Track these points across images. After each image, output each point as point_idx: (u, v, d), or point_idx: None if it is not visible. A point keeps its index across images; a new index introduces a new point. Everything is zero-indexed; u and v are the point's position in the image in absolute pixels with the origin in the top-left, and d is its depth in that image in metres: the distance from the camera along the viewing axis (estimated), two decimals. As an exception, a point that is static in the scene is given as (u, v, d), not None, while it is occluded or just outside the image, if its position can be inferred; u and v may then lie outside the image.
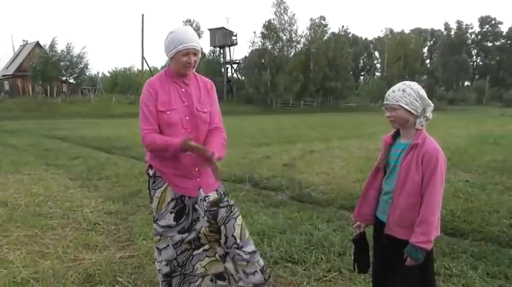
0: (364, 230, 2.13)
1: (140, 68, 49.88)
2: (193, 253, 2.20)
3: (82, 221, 4.05)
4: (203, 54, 46.67)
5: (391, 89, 1.90)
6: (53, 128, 18.34)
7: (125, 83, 57.59)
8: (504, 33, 72.49)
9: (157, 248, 2.23)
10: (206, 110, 2.19)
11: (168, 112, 2.08)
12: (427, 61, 73.79)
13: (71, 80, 47.02)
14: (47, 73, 41.10)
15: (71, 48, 43.78)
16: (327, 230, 3.78)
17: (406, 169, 1.86)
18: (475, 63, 76.94)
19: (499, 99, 59.76)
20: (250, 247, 2.26)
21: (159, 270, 2.24)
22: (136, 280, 2.78)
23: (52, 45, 43.73)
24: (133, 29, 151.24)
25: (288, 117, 30.27)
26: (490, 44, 73.80)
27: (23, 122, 23.67)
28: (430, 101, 1.89)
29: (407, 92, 1.85)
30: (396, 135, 2.01)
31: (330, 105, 53.02)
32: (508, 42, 71.26)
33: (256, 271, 2.25)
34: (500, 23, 72.83)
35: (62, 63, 43.38)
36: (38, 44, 48.11)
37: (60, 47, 43.95)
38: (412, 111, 1.85)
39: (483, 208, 4.30)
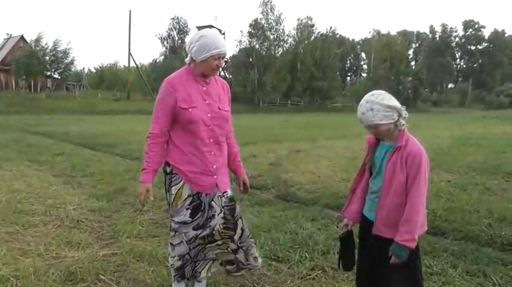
0: (351, 229, 2.14)
1: (127, 65, 49.26)
2: (206, 247, 2.26)
3: (65, 219, 3.99)
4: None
5: (359, 111, 1.90)
6: (37, 123, 17.97)
7: (111, 80, 56.77)
8: (486, 38, 74.05)
9: (171, 243, 2.28)
10: (227, 109, 2.29)
11: (190, 109, 2.13)
12: (413, 63, 74.84)
13: (56, 76, 46.07)
14: (31, 67, 40.18)
15: (58, 43, 42.87)
16: (311, 229, 3.81)
17: (391, 170, 1.89)
18: (458, 66, 78.40)
19: (481, 102, 61.00)
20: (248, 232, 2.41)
21: (172, 265, 2.30)
22: (120, 278, 2.75)
23: (38, 40, 42.74)
24: (120, 25, 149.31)
25: (275, 117, 30.34)
26: (473, 48, 75.27)
27: (5, 117, 23.09)
28: (399, 105, 1.89)
29: (375, 110, 1.85)
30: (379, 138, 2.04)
31: (316, 105, 53.31)
32: (490, 46, 72.79)
33: (257, 257, 2.41)
34: (483, 27, 74.39)
35: (46, 58, 42.41)
36: (22, 38, 47.02)
37: (45, 42, 42.96)
38: (390, 121, 1.87)
39: (464, 208, 4.39)
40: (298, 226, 3.91)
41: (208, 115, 2.19)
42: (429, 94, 68.99)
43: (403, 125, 1.91)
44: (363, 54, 75.23)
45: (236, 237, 2.27)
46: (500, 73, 70.10)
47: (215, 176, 2.23)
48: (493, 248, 3.46)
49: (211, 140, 2.21)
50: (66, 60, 44.00)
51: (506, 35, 73.65)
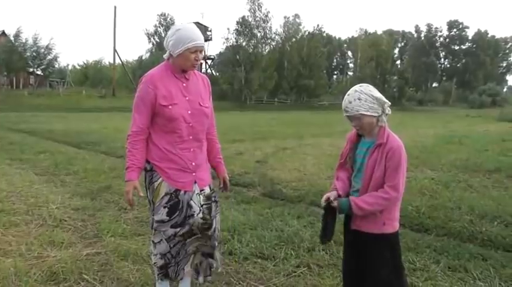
0: (333, 200, 2.04)
1: (112, 61, 48.62)
2: (186, 242, 2.24)
3: (47, 218, 3.91)
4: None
5: (347, 99, 1.92)
6: (19, 121, 17.56)
7: (96, 77, 55.92)
8: (470, 38, 75.37)
9: (152, 241, 2.27)
10: (208, 105, 2.26)
11: (170, 106, 2.10)
12: (398, 62, 75.70)
13: (39, 72, 45.14)
14: (11, 64, 39.23)
15: (37, 39, 41.95)
16: (297, 226, 3.83)
17: (371, 167, 1.92)
18: (442, 66, 79.61)
19: (465, 101, 62.14)
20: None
21: (155, 263, 2.28)
22: (103, 278, 2.72)
23: (17, 35, 41.76)
24: (105, 21, 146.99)
25: (262, 114, 30.34)
26: (457, 48, 76.51)
27: (-14, 114, 22.55)
28: (385, 99, 1.93)
29: (363, 99, 1.88)
30: (360, 134, 2.06)
31: (303, 103, 53.53)
32: (474, 46, 74.12)
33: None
34: (467, 27, 75.52)
35: (28, 53, 41.45)
36: (3, 33, 45.90)
37: (26, 37, 41.97)
38: (374, 114, 1.90)
39: (447, 205, 4.47)
40: (284, 224, 3.93)
41: (189, 112, 2.16)
42: (414, 93, 69.94)
43: (385, 122, 1.94)
44: (350, 53, 75.65)
45: (212, 232, 2.27)
46: (482, 73, 71.46)
47: (194, 173, 2.21)
48: (474, 243, 3.53)
49: (191, 137, 2.19)
50: (49, 57, 43.18)
51: (489, 36, 75.07)
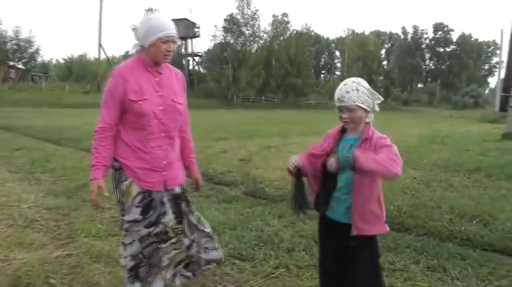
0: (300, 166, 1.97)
1: (97, 56, 47.81)
2: (160, 246, 2.16)
3: (18, 218, 3.76)
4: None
5: (343, 89, 1.87)
6: (-2, 116, 17.11)
7: (80, 72, 54.95)
8: (455, 40, 76.72)
9: (123, 243, 2.17)
10: (181, 101, 2.16)
11: (140, 102, 2.00)
12: (385, 63, 76.57)
13: (20, 66, 44.06)
14: (-10, 57, 38.22)
15: (19, 31, 40.88)
16: (277, 226, 3.77)
17: None
18: (427, 67, 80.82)
19: (448, 102, 63.37)
20: (209, 229, 2.31)
21: (124, 266, 2.19)
22: (72, 281, 2.60)
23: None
24: (91, 15, 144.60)
25: (249, 113, 30.27)
26: (441, 50, 77.78)
27: (-37, 109, 21.90)
28: (378, 95, 1.93)
29: (360, 91, 1.86)
30: (343, 130, 2.00)
31: (290, 101, 53.69)
32: (458, 49, 75.45)
33: (216, 248, 2.31)
34: (452, 30, 76.99)
35: (8, 46, 40.32)
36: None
37: (5, 29, 40.83)
38: (367, 108, 1.88)
39: (427, 204, 4.47)
40: (264, 223, 3.86)
41: (161, 108, 2.06)
42: (400, 93, 70.91)
43: (371, 118, 1.92)
44: (337, 53, 76.11)
45: (186, 229, 2.19)
46: (466, 75, 72.90)
47: (164, 172, 2.12)
48: (453, 243, 3.53)
49: (163, 135, 2.09)
50: (31, 50, 42.13)
51: (472, 39, 76.56)
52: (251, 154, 8.46)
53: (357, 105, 1.84)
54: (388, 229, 1.98)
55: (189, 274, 2.30)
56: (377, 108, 1.92)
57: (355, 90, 1.85)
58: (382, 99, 1.96)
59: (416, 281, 2.75)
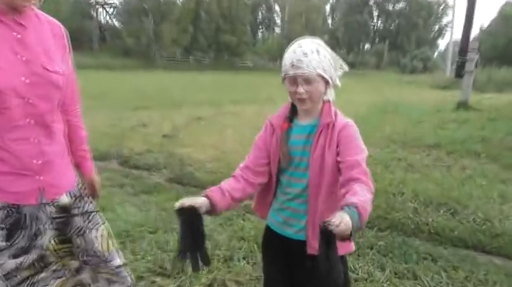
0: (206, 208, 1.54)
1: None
2: (36, 279, 1.67)
3: None
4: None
5: (299, 51, 1.48)
6: None
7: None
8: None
9: None
10: (59, 69, 1.57)
11: None
12: (329, 21, 78.13)
13: None
14: None
15: None
16: (211, 226, 3.44)
17: (318, 159, 1.53)
18: (375, 26, 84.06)
19: (397, 65, 66.74)
20: (117, 261, 1.86)
21: None
22: None
23: None
24: None
25: (174, 75, 29.14)
26: (390, 8, 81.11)
27: None
28: (342, 61, 1.61)
29: (322, 55, 1.50)
30: (291, 115, 1.64)
31: (223, 62, 52.86)
32: (407, 7, 79.22)
33: (122, 282, 1.88)
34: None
35: None
36: None
37: None
38: (329, 80, 1.53)
39: (388, 189, 4.39)
40: (194, 222, 3.49)
41: (25, 80, 1.49)
42: (346, 55, 73.25)
43: (332, 95, 1.60)
44: (277, 7, 75.94)
45: (75, 249, 1.74)
46: (415, 36, 77.09)
47: (40, 177, 1.59)
48: (419, 238, 3.47)
49: (31, 121, 1.52)
50: None
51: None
52: (177, 128, 8.00)
53: (318, 74, 1.48)
54: (353, 247, 1.76)
55: None
56: (338, 82, 1.59)
57: (315, 52, 1.48)
58: (347, 69, 1.61)
59: (384, 292, 2.59)
